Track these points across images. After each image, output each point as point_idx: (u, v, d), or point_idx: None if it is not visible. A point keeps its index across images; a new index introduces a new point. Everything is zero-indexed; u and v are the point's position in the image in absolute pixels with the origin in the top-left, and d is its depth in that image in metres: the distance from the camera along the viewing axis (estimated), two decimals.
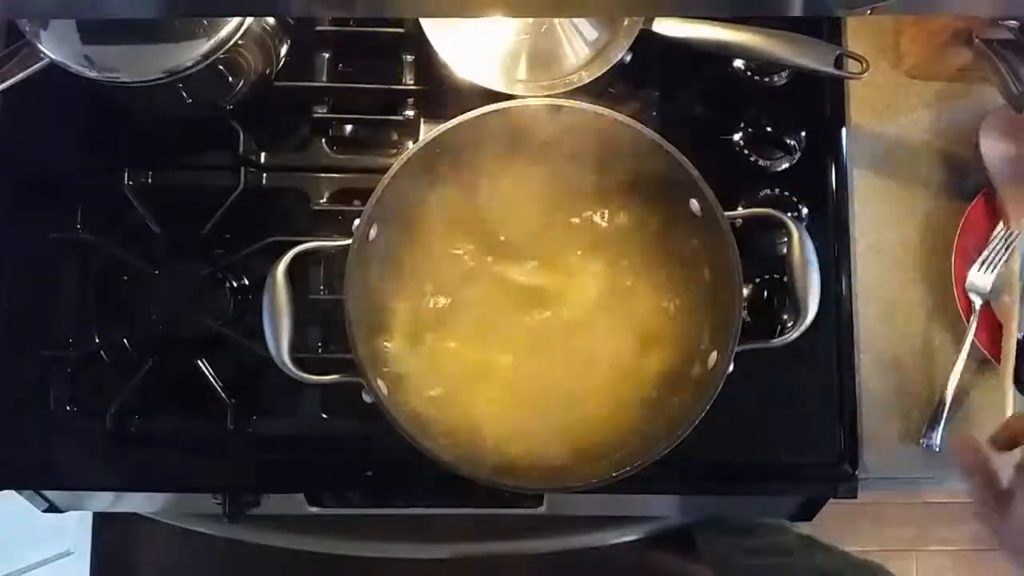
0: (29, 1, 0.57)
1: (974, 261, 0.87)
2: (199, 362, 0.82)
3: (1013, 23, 0.77)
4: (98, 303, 0.84)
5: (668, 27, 0.79)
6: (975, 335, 0.86)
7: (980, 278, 0.86)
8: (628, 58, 0.80)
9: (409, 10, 0.74)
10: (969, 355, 0.86)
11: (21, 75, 0.74)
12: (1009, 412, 0.84)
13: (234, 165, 0.84)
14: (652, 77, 0.86)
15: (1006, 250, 0.87)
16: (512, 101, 0.74)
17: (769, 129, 0.87)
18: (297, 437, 0.83)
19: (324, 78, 0.87)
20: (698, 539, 1.00)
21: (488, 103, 0.74)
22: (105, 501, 0.95)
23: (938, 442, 0.85)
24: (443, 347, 0.77)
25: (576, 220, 0.79)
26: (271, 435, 0.83)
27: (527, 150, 0.78)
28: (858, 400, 0.85)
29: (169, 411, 0.84)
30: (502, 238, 0.79)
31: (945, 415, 0.85)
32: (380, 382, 0.73)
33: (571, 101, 0.74)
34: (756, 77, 0.88)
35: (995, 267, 0.87)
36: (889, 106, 0.91)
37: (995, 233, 0.87)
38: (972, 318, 0.86)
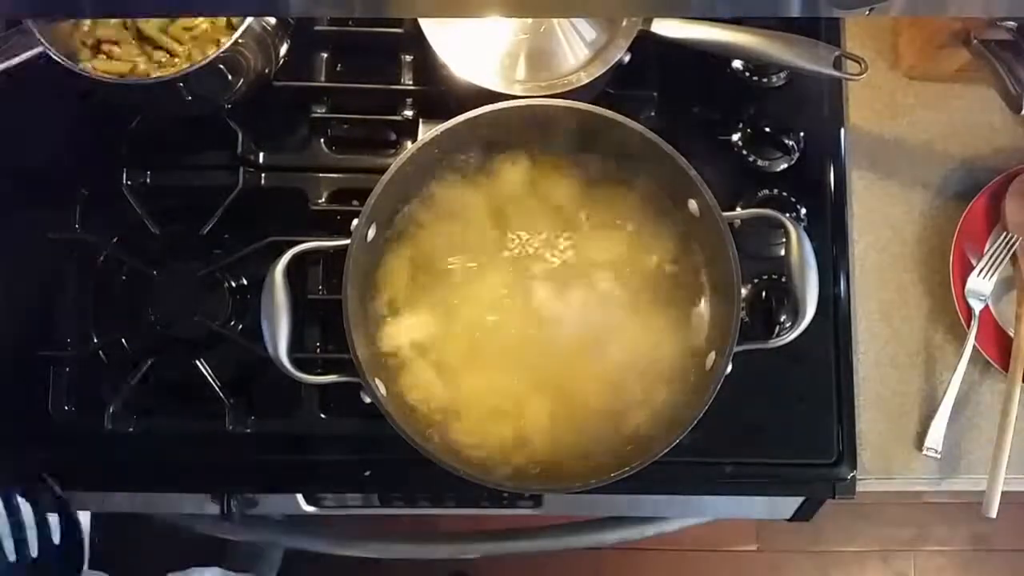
0: (28, 1, 0.57)
1: (973, 261, 0.87)
2: (198, 362, 0.82)
3: (1011, 24, 0.77)
4: (97, 303, 0.84)
5: (667, 27, 0.79)
6: (976, 339, 0.86)
7: (980, 284, 0.86)
8: (627, 58, 0.80)
9: (408, 10, 0.74)
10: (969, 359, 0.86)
11: (14, 61, 0.73)
12: (1013, 417, 0.84)
13: (233, 165, 0.84)
14: (651, 77, 0.87)
15: (1007, 252, 0.87)
16: (511, 101, 0.74)
17: (768, 130, 0.87)
18: (296, 437, 0.83)
19: (323, 78, 0.87)
20: None
21: (487, 103, 0.74)
22: (104, 501, 0.95)
23: (939, 448, 0.85)
24: (443, 347, 0.77)
25: (575, 219, 0.79)
26: (270, 435, 0.83)
27: (525, 150, 0.78)
28: (856, 400, 0.85)
29: (168, 411, 0.84)
30: (501, 237, 0.79)
31: (946, 421, 0.85)
32: (378, 382, 0.73)
33: (570, 101, 0.74)
34: (755, 78, 0.88)
35: (994, 273, 0.86)
36: (887, 107, 0.91)
37: (992, 239, 0.87)
38: (972, 323, 0.86)
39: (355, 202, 0.83)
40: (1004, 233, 0.87)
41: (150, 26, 0.75)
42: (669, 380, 0.76)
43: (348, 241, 0.72)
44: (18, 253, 0.85)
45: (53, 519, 0.80)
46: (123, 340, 0.83)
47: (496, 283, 0.77)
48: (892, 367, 0.88)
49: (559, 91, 0.78)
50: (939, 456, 0.85)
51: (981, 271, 0.86)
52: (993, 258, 0.87)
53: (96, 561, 0.87)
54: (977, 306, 0.86)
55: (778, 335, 0.75)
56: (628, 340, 0.77)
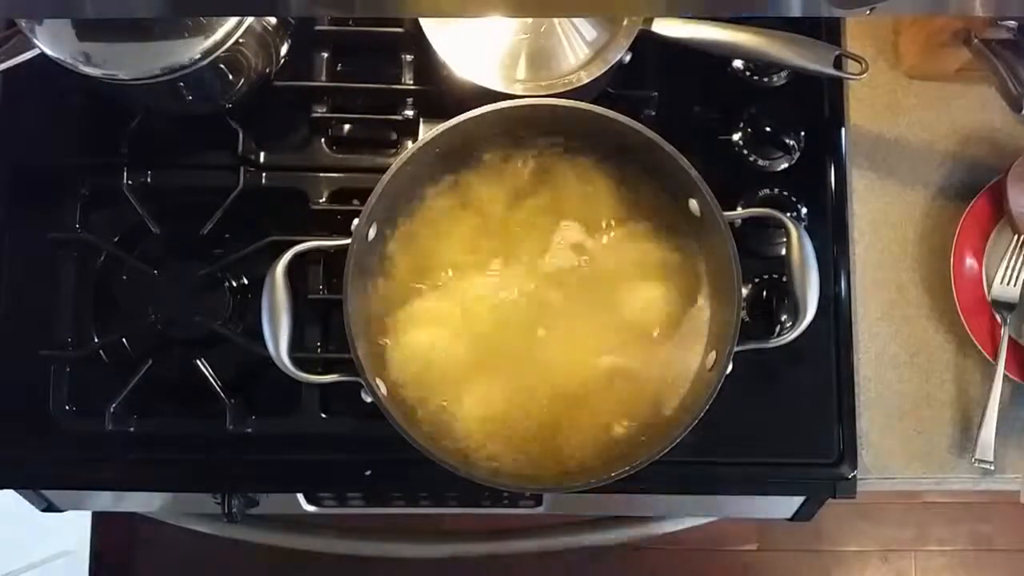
0: (29, 0, 0.57)
1: (970, 260, 0.87)
2: (198, 362, 0.82)
3: (1012, 23, 0.77)
4: (97, 303, 0.84)
5: (667, 27, 0.79)
6: (975, 337, 0.86)
7: (1005, 291, 0.86)
8: (627, 58, 0.80)
9: (409, 10, 0.74)
10: (968, 356, 0.86)
11: (14, 61, 0.73)
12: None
13: (233, 164, 0.84)
14: (651, 77, 0.86)
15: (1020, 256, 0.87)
16: (511, 101, 0.74)
17: (768, 129, 0.87)
18: (296, 437, 0.83)
19: (324, 78, 0.87)
20: None
21: (487, 103, 0.74)
22: (104, 501, 0.95)
23: (991, 458, 0.84)
24: (443, 346, 0.77)
25: (575, 220, 0.79)
26: (270, 435, 0.83)
27: (526, 150, 0.78)
28: (856, 400, 0.85)
29: (168, 411, 0.84)
30: (502, 237, 0.79)
31: (993, 429, 0.84)
32: (379, 381, 0.73)
33: (570, 101, 0.75)
34: (755, 77, 0.89)
35: (1018, 278, 0.87)
36: (888, 106, 0.91)
37: (994, 239, 0.87)
38: (1004, 331, 0.85)
39: (355, 202, 0.83)
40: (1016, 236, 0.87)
41: None
42: (669, 379, 0.76)
43: (349, 241, 0.72)
44: (18, 253, 0.85)
45: None
46: (123, 340, 0.83)
47: (497, 283, 0.77)
48: (892, 367, 0.87)
49: (559, 91, 0.78)
50: (992, 467, 0.84)
51: (1004, 278, 0.86)
52: (1014, 262, 0.87)
53: (96, 561, 0.87)
54: (1005, 319, 0.85)
55: (778, 335, 0.75)
56: (628, 339, 0.77)
